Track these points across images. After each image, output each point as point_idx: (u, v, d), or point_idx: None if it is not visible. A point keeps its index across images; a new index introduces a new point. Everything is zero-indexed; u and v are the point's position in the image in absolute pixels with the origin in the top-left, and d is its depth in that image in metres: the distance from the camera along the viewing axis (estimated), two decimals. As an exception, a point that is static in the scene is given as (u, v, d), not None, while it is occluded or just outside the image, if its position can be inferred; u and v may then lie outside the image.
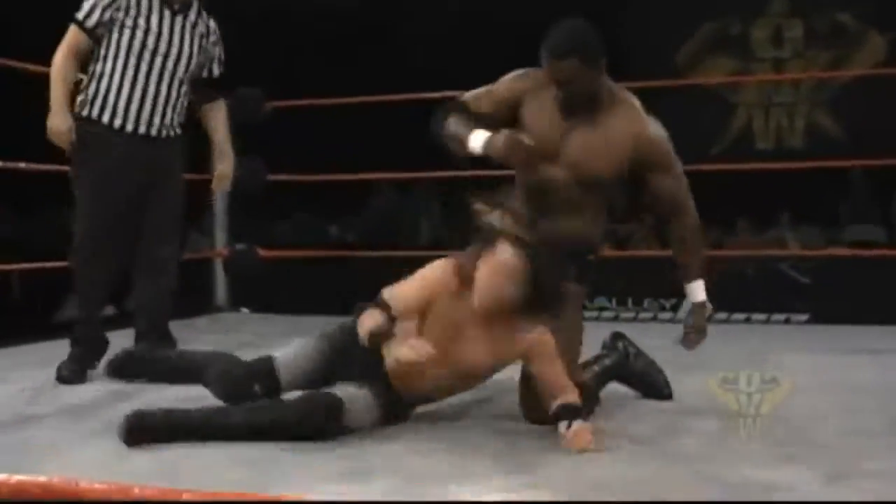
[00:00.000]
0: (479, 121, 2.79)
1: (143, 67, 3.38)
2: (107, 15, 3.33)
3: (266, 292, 5.90)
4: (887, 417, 2.86)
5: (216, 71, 3.61)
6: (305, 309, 5.26)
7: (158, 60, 3.40)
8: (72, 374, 3.37)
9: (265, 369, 2.69)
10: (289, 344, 2.77)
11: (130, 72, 3.36)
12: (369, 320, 2.60)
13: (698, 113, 9.14)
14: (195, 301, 5.56)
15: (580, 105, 2.77)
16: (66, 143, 3.36)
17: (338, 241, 8.57)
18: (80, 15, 3.36)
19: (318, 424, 2.49)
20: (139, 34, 3.35)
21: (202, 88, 3.59)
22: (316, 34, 9.16)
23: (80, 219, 3.42)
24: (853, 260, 6.16)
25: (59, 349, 3.53)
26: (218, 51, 3.59)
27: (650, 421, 2.81)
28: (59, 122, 3.32)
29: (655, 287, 5.98)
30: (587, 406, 2.67)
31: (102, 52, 3.38)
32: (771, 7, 9.58)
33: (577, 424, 2.50)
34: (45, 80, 3.40)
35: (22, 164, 4.32)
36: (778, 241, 8.10)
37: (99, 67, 3.39)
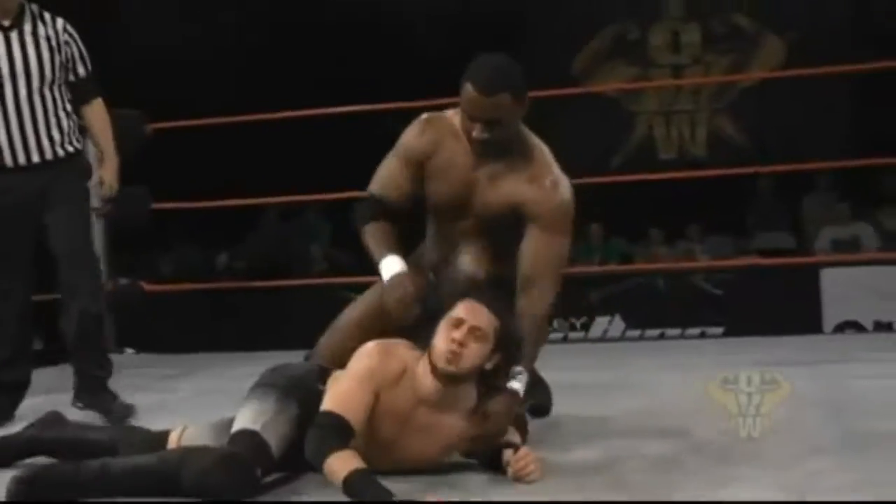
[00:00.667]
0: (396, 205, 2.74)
1: None
2: None
3: (152, 330, 5.58)
4: (838, 431, 2.78)
5: (81, 70, 3.43)
6: (196, 346, 4.99)
7: (7, 84, 3.25)
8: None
9: (254, 445, 2.30)
10: (246, 406, 2.39)
11: None
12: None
13: (598, 122, 9.07)
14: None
15: (497, 148, 2.64)
16: None
17: (227, 271, 8.24)
18: None
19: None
20: None
21: (74, 90, 3.42)
22: (196, 54, 8.84)
23: None
24: (764, 269, 6.09)
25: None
26: (74, 49, 3.40)
27: (585, 447, 2.68)
28: None
29: (565, 306, 5.84)
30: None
31: None
32: (668, 11, 9.56)
33: (523, 451, 2.35)
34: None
35: None
36: (687, 253, 8.04)
37: None
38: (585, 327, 5.82)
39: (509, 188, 2.67)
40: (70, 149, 3.38)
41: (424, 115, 2.79)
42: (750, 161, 7.13)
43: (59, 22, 3.38)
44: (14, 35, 3.27)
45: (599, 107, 9.09)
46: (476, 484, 2.38)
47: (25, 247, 3.39)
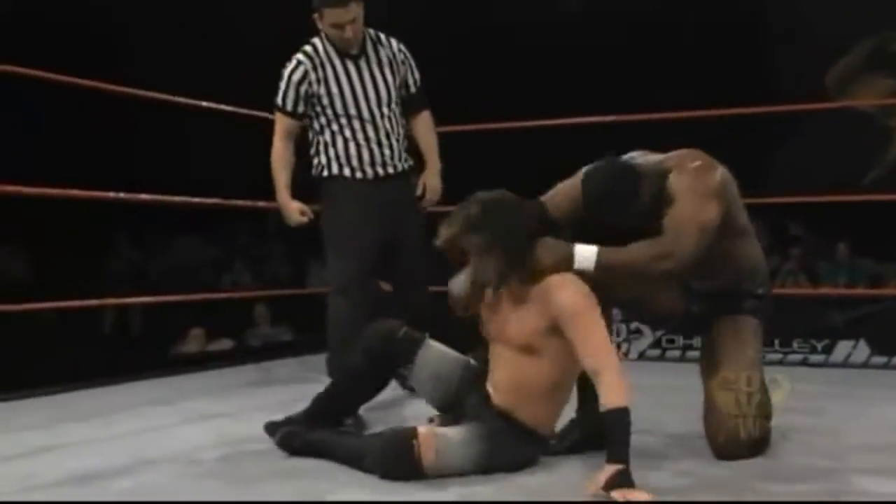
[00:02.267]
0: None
1: (355, 123, 3.68)
2: (301, 90, 3.66)
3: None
4: None
5: (412, 88, 3.84)
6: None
7: (363, 107, 3.68)
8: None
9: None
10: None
11: (347, 132, 3.68)
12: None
13: (849, 137, 8.74)
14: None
15: None
16: (295, 222, 3.76)
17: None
18: (278, 100, 3.71)
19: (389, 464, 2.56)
20: (336, 98, 3.65)
21: (406, 104, 3.83)
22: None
23: (339, 261, 3.70)
24: None
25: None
26: (407, 69, 3.81)
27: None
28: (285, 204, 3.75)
29: (805, 326, 5.67)
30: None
31: (315, 125, 3.73)
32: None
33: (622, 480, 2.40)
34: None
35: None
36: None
37: (320, 138, 3.74)
38: (827, 350, 5.61)
39: None
40: (410, 162, 3.84)
41: None
42: None
43: (394, 43, 3.79)
44: (363, 64, 3.69)
45: (852, 121, 8.76)
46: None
47: (381, 248, 3.77)
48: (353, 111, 3.68)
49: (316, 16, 3.63)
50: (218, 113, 4.89)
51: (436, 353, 2.85)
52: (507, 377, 2.73)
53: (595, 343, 2.56)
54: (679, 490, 2.50)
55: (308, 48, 3.69)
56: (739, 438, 2.82)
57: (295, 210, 3.77)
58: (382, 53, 3.73)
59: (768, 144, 9.00)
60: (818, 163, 8.61)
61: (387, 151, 3.74)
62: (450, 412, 2.84)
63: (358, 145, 3.71)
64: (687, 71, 9.12)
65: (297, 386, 4.12)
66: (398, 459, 2.56)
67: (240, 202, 5.24)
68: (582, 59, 9.38)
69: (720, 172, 2.86)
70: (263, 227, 11.01)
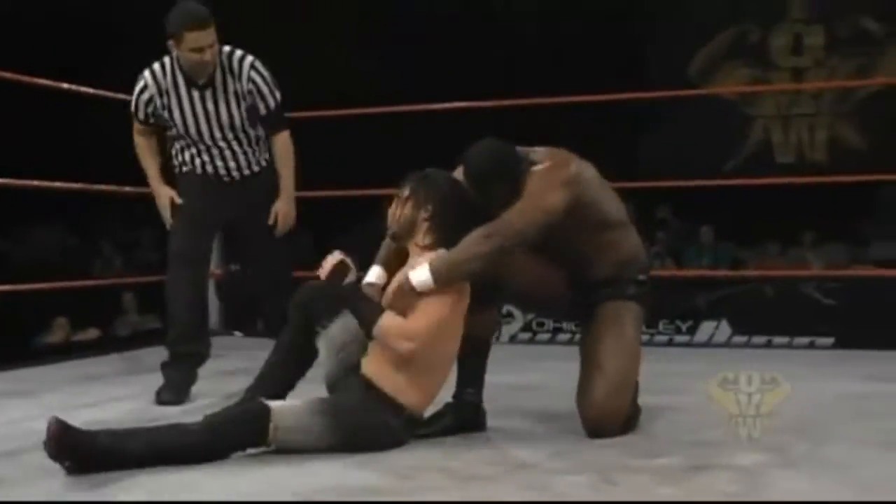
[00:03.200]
0: None
1: (200, 145, 3.73)
2: (150, 109, 3.71)
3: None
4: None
5: (263, 112, 3.76)
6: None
7: (206, 134, 3.71)
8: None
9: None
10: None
11: (193, 149, 3.75)
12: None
13: (713, 125, 9.00)
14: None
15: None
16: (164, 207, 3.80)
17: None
18: (131, 107, 3.77)
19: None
20: (179, 124, 3.68)
21: (263, 123, 3.79)
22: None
23: (171, 237, 3.79)
24: (880, 281, 5.97)
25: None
26: (261, 97, 3.74)
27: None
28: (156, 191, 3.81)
29: (670, 308, 5.82)
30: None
31: (171, 132, 3.78)
32: (790, 13, 9.42)
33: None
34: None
35: None
36: (800, 261, 7.93)
37: (175, 142, 3.80)
38: (691, 331, 5.77)
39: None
40: (264, 164, 3.84)
41: None
42: (871, 168, 6.96)
43: (246, 70, 3.69)
44: (208, 93, 3.66)
45: (716, 109, 9.02)
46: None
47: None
48: (195, 137, 3.72)
49: (171, 42, 3.57)
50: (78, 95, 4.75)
51: (352, 323, 2.85)
52: (374, 345, 2.80)
53: (416, 317, 2.73)
54: (559, 471, 2.54)
55: (157, 69, 3.69)
56: (616, 418, 2.91)
57: (165, 196, 3.78)
58: (230, 85, 3.69)
59: (636, 131, 9.19)
60: (685, 149, 8.84)
61: (232, 164, 3.79)
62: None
63: (203, 162, 3.78)
64: (559, 58, 9.25)
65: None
66: (247, 426, 2.59)
67: (105, 187, 5.12)
68: (443, 48, 9.41)
69: (575, 166, 2.96)
70: (131, 214, 10.76)
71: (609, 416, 2.91)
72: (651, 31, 9.62)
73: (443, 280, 2.75)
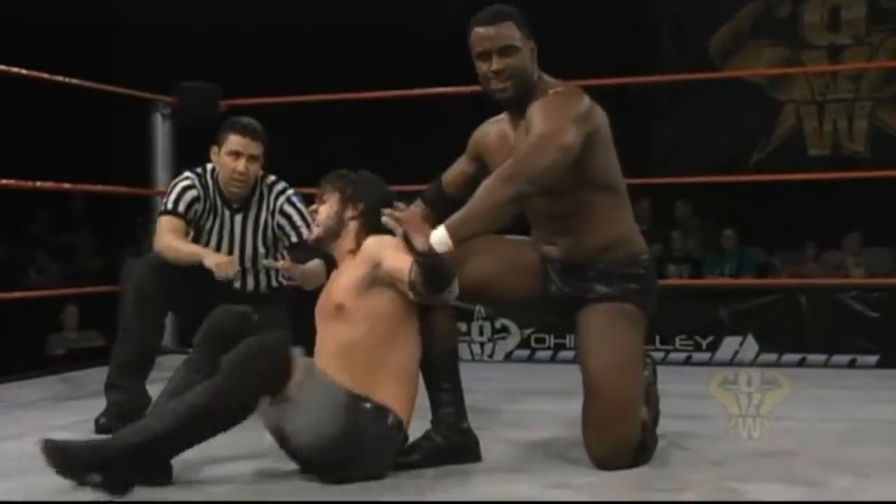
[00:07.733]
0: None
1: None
2: (192, 210, 3.92)
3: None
4: None
5: (294, 239, 4.02)
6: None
7: (225, 250, 3.96)
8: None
9: None
10: None
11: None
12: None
13: (736, 113, 9.01)
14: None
15: (523, 98, 2.95)
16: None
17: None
18: (169, 204, 3.93)
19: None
20: (210, 242, 3.95)
21: (290, 252, 3.95)
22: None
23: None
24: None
25: None
26: (293, 227, 4.01)
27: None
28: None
29: (688, 321, 5.82)
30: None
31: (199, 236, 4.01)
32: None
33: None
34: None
35: None
36: (839, 268, 7.93)
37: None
38: (713, 347, 5.77)
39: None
40: (265, 291, 4.08)
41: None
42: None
43: (280, 202, 4.02)
44: (239, 218, 3.98)
45: (740, 94, 9.03)
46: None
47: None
48: (224, 247, 4.01)
49: (214, 147, 3.90)
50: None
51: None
52: (325, 346, 2.91)
53: (403, 257, 2.77)
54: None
55: (199, 173, 3.97)
56: (623, 448, 2.88)
57: (212, 253, 3.88)
58: (262, 215, 4.01)
59: (650, 120, 9.19)
60: (705, 140, 8.85)
61: (249, 280, 4.06)
62: None
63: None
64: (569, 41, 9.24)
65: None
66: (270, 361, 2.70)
67: (39, 184, 5.07)
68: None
69: (588, 101, 2.92)
70: (68, 214, 10.70)
71: (615, 447, 2.88)
72: (666, 6, 9.62)
73: (462, 237, 2.71)
